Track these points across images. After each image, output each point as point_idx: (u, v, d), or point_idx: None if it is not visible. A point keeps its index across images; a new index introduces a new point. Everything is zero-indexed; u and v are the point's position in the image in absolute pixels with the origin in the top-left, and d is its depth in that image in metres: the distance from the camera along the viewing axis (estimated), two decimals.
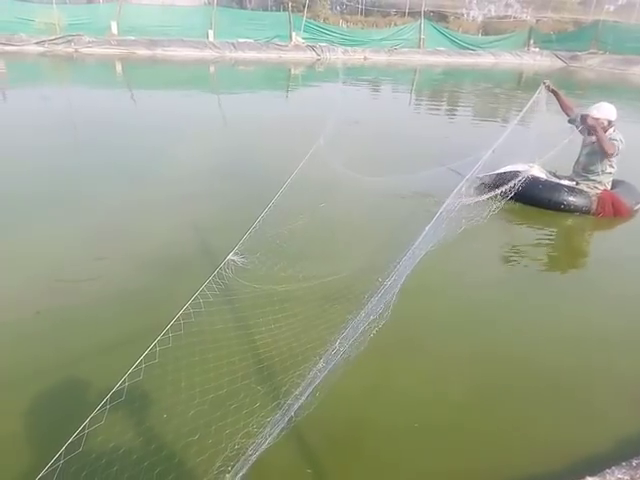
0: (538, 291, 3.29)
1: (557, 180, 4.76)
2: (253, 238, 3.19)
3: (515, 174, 4.49)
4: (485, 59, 23.73)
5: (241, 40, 19.64)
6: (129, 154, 5.74)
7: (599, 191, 4.55)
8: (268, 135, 7.03)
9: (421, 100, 12.91)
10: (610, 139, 4.35)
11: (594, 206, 4.49)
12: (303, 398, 1.83)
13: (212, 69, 16.45)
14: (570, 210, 4.49)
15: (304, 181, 4.38)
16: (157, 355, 1.85)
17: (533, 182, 4.51)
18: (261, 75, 16.05)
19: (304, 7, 22.00)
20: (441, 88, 15.36)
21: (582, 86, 17.35)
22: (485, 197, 4.07)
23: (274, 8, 26.09)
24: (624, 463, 1.79)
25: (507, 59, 24.12)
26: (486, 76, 19.28)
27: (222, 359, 2.25)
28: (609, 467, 1.76)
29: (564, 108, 4.71)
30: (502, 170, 4.70)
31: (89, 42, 16.96)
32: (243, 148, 6.22)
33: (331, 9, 27.59)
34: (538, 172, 4.76)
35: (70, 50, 16.55)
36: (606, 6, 29.55)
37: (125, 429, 1.91)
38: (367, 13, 27.18)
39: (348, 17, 26.63)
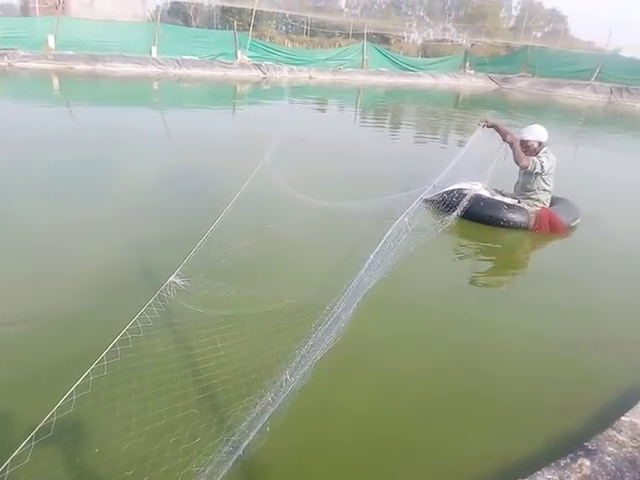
0: (476, 304, 3.40)
1: (500, 198, 4.93)
2: (197, 259, 3.11)
3: (460, 192, 4.69)
4: (425, 80, 24.78)
5: (185, 57, 19.44)
6: (67, 172, 5.46)
7: (538, 208, 4.75)
8: (214, 153, 6.95)
9: (366, 119, 13.24)
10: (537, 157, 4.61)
11: (532, 222, 4.68)
12: (252, 435, 1.76)
13: (155, 85, 16.16)
14: (510, 226, 4.67)
15: (251, 200, 4.34)
16: (90, 385, 1.76)
17: (476, 200, 4.69)
18: (206, 92, 15.92)
19: (250, 26, 22.16)
20: (385, 107, 15.84)
21: (514, 107, 18.46)
22: (430, 226, 4.20)
23: (220, 26, 26.14)
24: (553, 464, 1.87)
25: (445, 80, 25.31)
26: (426, 96, 20.09)
27: (161, 386, 2.14)
28: (539, 469, 1.84)
29: (504, 138, 4.78)
30: (448, 189, 4.84)
31: (24, 56, 16.21)
32: (188, 166, 6.09)
33: (277, 29, 28.02)
34: (482, 190, 4.91)
35: (3, 64, 15.73)
36: (534, 32, 31.85)
37: (52, 467, 1.77)
38: (312, 33, 27.78)
39: (294, 37, 27.13)
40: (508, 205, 4.76)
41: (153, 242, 3.78)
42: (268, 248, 3.85)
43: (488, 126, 4.94)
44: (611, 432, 2.04)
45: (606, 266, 4.12)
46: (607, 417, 2.19)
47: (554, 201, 4.90)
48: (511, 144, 4.63)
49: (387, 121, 12.90)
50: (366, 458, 2.00)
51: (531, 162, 4.57)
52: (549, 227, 4.68)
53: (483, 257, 4.29)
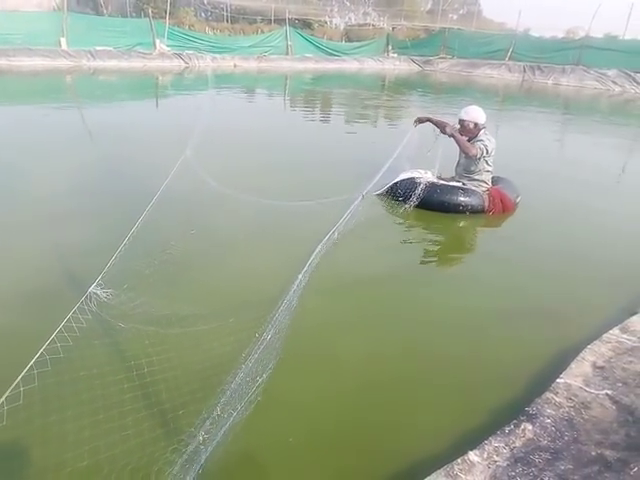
0: (424, 289, 3.41)
1: (446, 182, 4.85)
2: (120, 266, 2.88)
3: (412, 181, 4.64)
4: (350, 65, 24.94)
5: (99, 48, 18.30)
6: None
7: (485, 189, 4.75)
8: (137, 150, 6.57)
9: (296, 106, 13.10)
10: (477, 141, 4.60)
11: (486, 204, 4.65)
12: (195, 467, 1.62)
13: (69, 79, 15.09)
14: (466, 210, 4.59)
15: (176, 199, 4.13)
16: (5, 416, 1.56)
17: (431, 188, 4.61)
18: (126, 85, 15.08)
19: (166, 13, 21.16)
20: (314, 93, 15.75)
21: (436, 88, 19.05)
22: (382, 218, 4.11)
23: (134, 14, 24.74)
24: (498, 432, 1.93)
25: (370, 64, 25.61)
26: (354, 81, 20.23)
27: (83, 419, 1.92)
28: (487, 439, 1.89)
29: (444, 130, 4.68)
30: (398, 179, 4.77)
31: None
32: (110, 165, 5.71)
33: (195, 15, 26.95)
34: (434, 178, 4.85)
35: None
36: (450, 15, 32.92)
37: None
38: (233, 20, 27.03)
39: (214, 24, 26.25)
40: (463, 189, 4.67)
41: (73, 249, 3.51)
42: (196, 254, 3.60)
43: (422, 122, 4.92)
44: (549, 395, 2.13)
45: (546, 242, 4.25)
46: (544, 381, 2.28)
47: (493, 180, 4.90)
48: (453, 136, 4.56)
49: (318, 108, 12.82)
50: (309, 451, 1.97)
51: (479, 150, 4.56)
52: (502, 206, 4.70)
53: (432, 244, 4.25)
